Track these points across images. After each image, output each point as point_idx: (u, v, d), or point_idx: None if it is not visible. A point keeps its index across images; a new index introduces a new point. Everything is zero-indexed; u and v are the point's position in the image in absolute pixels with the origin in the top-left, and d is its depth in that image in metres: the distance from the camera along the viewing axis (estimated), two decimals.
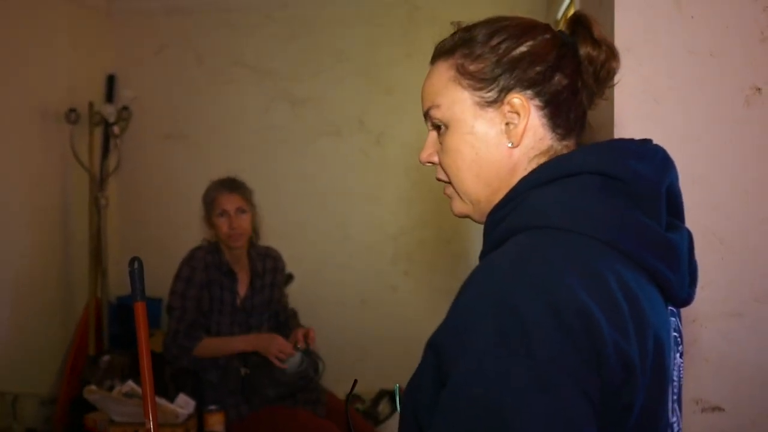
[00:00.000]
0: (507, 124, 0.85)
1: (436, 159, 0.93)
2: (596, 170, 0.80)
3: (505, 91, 0.84)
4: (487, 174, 0.86)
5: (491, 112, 0.85)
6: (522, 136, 0.84)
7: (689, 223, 0.90)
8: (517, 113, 0.84)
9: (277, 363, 2.42)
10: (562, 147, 0.86)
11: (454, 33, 0.90)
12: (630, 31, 1.73)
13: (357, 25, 3.67)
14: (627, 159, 0.81)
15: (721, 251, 1.75)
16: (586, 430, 0.69)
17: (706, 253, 1.73)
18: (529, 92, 0.84)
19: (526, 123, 0.84)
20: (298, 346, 2.48)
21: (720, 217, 1.75)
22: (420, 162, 0.95)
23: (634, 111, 1.73)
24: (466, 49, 0.87)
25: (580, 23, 0.86)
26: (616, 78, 0.87)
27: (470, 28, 0.88)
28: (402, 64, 3.63)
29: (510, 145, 0.85)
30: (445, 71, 0.88)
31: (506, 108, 0.84)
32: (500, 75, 0.84)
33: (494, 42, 0.85)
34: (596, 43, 0.84)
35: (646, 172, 0.81)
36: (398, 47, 3.64)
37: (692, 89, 1.75)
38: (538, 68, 0.84)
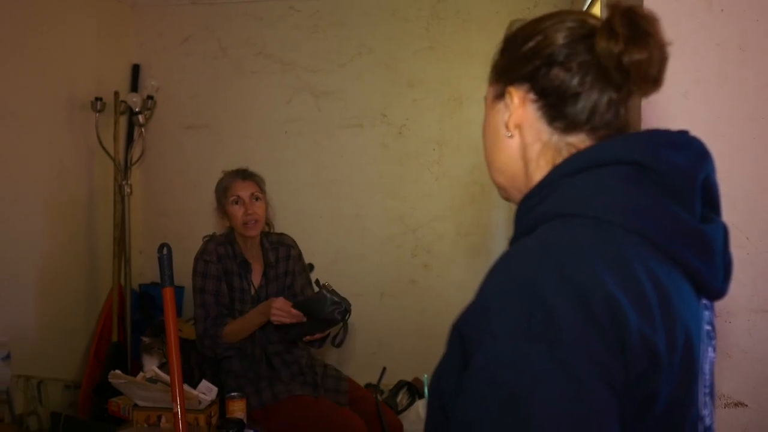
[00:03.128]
0: (509, 115, 0.89)
1: None
2: (629, 160, 0.80)
3: (507, 84, 0.89)
4: (499, 162, 0.92)
5: (499, 105, 0.91)
6: (514, 127, 0.88)
7: None
8: (511, 104, 0.88)
9: (275, 321, 2.40)
10: (563, 142, 0.86)
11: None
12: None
13: (380, 17, 3.67)
14: (660, 149, 0.81)
15: (747, 247, 1.74)
16: (606, 417, 0.69)
17: (732, 249, 1.72)
18: (525, 86, 0.87)
19: (516, 114, 0.88)
20: (324, 284, 2.44)
21: (746, 213, 1.74)
22: None
23: (661, 105, 1.72)
24: (501, 46, 0.93)
25: (609, 14, 0.84)
26: (668, 73, 0.83)
27: (516, 27, 0.93)
28: (425, 57, 3.63)
29: (509, 135, 0.89)
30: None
31: (507, 100, 0.89)
32: (507, 69, 0.89)
33: (515, 39, 0.90)
34: (613, 33, 0.81)
35: (680, 162, 0.81)
36: (421, 40, 3.63)
37: (721, 83, 1.73)
38: (536, 62, 0.86)
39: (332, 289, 2.43)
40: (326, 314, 2.40)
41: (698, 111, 1.74)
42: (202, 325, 2.52)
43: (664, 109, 1.72)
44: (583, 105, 0.85)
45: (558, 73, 0.84)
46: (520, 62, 0.87)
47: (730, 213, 1.72)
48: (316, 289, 2.49)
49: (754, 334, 1.72)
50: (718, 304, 1.72)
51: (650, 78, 0.83)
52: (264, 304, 2.48)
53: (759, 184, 1.74)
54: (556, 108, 0.86)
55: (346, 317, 2.42)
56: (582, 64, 0.84)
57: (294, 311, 2.40)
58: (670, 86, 1.72)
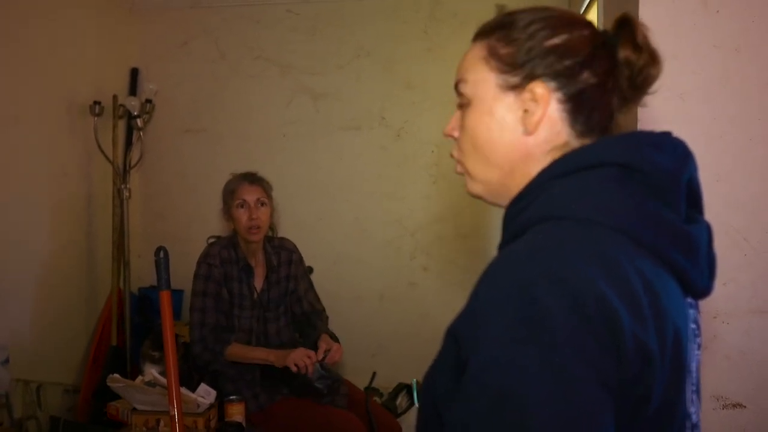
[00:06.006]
0: (525, 111, 0.85)
1: (457, 134, 0.93)
2: (615, 161, 0.81)
3: (530, 78, 0.85)
4: (497, 157, 0.87)
5: (511, 97, 0.86)
6: (537, 125, 0.84)
7: (713, 220, 0.90)
8: (536, 102, 0.84)
9: (293, 369, 2.44)
10: (578, 144, 0.86)
11: (497, 15, 0.91)
12: (654, 26, 1.71)
13: (378, 19, 3.67)
14: (646, 150, 0.81)
15: (744, 249, 1.74)
16: (602, 419, 0.69)
17: (730, 250, 1.72)
18: (553, 84, 0.84)
19: (543, 113, 0.84)
20: (318, 359, 2.49)
21: (744, 214, 1.74)
22: (444, 134, 0.95)
23: (658, 107, 1.72)
24: (503, 32, 0.88)
25: (625, 25, 0.86)
26: (655, 87, 0.86)
27: (512, 13, 0.89)
28: (423, 59, 3.63)
29: (523, 132, 0.85)
30: (479, 50, 0.90)
31: (527, 95, 0.85)
32: (528, 62, 0.85)
33: (531, 29, 0.86)
34: (637, 47, 0.83)
35: (666, 163, 0.81)
36: (419, 42, 3.63)
37: (717, 85, 1.73)
38: (567, 62, 0.84)
39: (324, 362, 2.49)
40: (314, 383, 2.46)
41: (695, 113, 1.74)
42: (198, 332, 2.52)
43: (661, 112, 1.72)
44: (604, 110, 0.86)
45: (589, 77, 0.84)
46: (547, 57, 0.84)
47: (728, 214, 1.72)
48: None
49: (753, 336, 1.72)
50: (715, 305, 1.72)
51: (650, 90, 0.86)
52: (280, 352, 2.50)
53: (757, 186, 1.74)
54: (582, 111, 0.85)
55: (332, 397, 2.50)
56: (607, 71, 0.85)
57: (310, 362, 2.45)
58: (668, 88, 1.72)
